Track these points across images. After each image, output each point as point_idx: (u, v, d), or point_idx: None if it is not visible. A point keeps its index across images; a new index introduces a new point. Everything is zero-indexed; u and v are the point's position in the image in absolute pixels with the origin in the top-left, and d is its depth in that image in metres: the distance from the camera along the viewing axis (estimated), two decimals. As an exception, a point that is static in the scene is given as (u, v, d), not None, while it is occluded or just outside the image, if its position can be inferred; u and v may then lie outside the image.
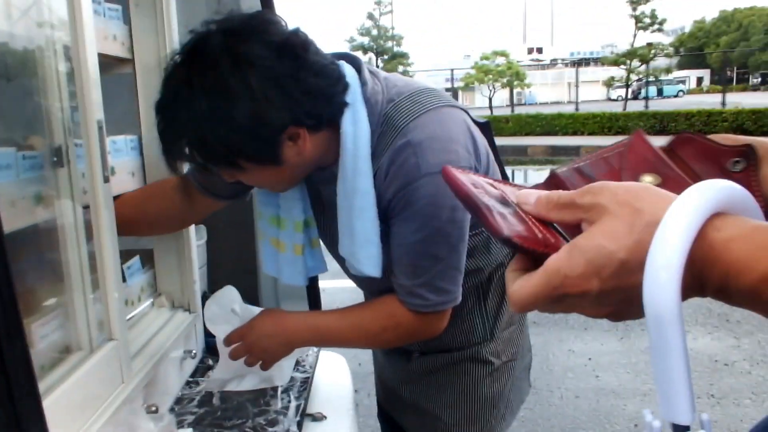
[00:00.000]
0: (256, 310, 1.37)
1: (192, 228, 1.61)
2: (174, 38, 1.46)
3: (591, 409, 3.18)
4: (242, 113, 1.02)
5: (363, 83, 1.17)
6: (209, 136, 1.05)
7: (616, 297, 0.50)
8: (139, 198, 1.41)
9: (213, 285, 1.90)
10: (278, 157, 1.10)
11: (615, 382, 3.47)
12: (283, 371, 1.54)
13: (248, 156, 1.09)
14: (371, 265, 1.20)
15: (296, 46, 1.06)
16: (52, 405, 0.89)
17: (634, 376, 3.54)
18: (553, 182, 0.59)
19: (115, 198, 1.24)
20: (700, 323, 4.23)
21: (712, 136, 0.59)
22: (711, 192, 0.46)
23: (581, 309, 0.53)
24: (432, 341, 1.42)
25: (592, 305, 0.51)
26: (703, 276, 0.46)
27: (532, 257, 0.53)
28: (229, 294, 1.43)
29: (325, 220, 1.33)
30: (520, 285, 0.52)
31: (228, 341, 1.32)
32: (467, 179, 0.56)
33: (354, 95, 1.15)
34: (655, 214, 0.47)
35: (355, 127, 1.14)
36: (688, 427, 0.47)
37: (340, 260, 1.31)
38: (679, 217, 0.45)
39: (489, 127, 1.34)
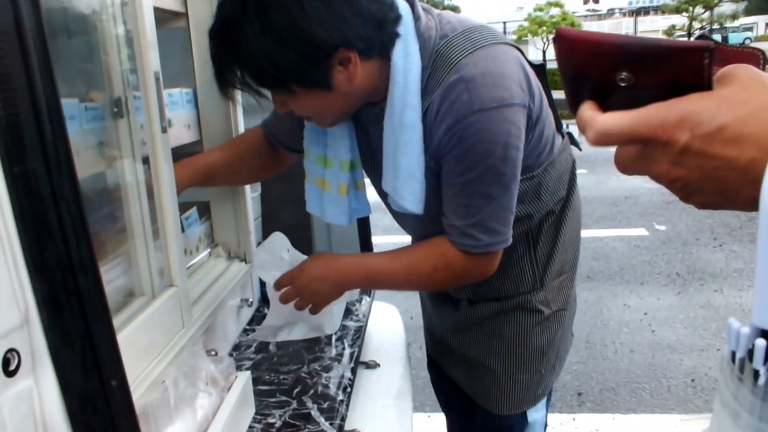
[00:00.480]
0: (305, 256, 1.39)
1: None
2: (226, -10, 1.45)
3: (647, 364, 3.15)
4: (294, 32, 1.02)
5: (416, 18, 1.16)
6: (261, 56, 1.05)
7: (697, 162, 0.47)
8: (228, 153, 1.46)
9: (268, 236, 1.93)
10: (329, 81, 1.09)
11: (672, 337, 3.42)
12: (333, 318, 1.56)
13: (299, 77, 1.08)
14: (414, 201, 1.20)
15: None
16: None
17: (692, 331, 3.48)
18: None
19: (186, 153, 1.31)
20: (763, 278, 4.11)
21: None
22: None
23: (655, 167, 0.50)
24: (481, 289, 1.43)
25: (667, 164, 0.49)
26: None
27: None
28: (279, 240, 1.45)
29: (373, 162, 1.33)
30: (611, 116, 0.50)
31: (278, 285, 1.33)
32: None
33: (406, 29, 1.13)
34: None
35: (406, 60, 1.13)
36: None
37: (385, 197, 1.31)
38: None
39: (543, 70, 1.31)
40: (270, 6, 1.02)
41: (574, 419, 2.69)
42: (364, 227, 2.02)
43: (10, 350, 0.46)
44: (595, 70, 0.51)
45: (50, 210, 0.48)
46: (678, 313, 3.72)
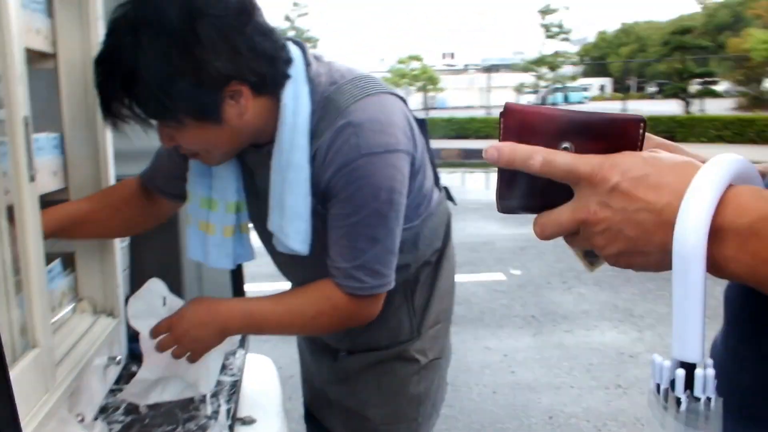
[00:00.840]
0: (183, 302, 1.33)
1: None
2: (99, 32, 1.41)
3: (508, 404, 3.29)
4: (187, 61, 1.02)
5: (307, 63, 1.20)
6: (152, 84, 1.03)
7: (622, 203, 0.53)
8: (97, 203, 1.41)
9: (136, 289, 1.85)
10: (220, 114, 1.10)
11: (530, 376, 3.61)
12: (209, 375, 1.51)
13: (190, 109, 1.08)
14: (300, 240, 1.20)
15: (246, 4, 1.08)
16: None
17: (548, 370, 3.68)
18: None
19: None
20: (606, 318, 4.44)
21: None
22: (730, 163, 0.50)
23: (584, 204, 0.55)
24: (360, 339, 1.44)
25: (596, 204, 0.54)
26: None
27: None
28: (155, 287, 1.38)
29: (257, 204, 1.33)
30: (557, 154, 0.55)
31: (156, 332, 1.26)
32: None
33: (297, 72, 1.17)
34: (691, 160, 0.53)
35: (296, 102, 1.16)
36: (695, 365, 0.49)
37: (269, 241, 1.31)
38: (713, 175, 0.49)
39: (425, 124, 1.37)
40: (164, 33, 1.02)
41: (442, 462, 2.75)
42: (237, 275, 1.98)
43: None
44: (541, 140, 0.56)
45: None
46: (534, 353, 3.93)
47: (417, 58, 29.47)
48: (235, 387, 1.58)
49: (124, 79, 1.05)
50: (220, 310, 1.26)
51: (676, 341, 0.50)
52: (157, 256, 1.93)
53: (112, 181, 1.50)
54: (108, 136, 1.47)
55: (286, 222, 1.20)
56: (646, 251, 0.53)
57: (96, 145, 1.45)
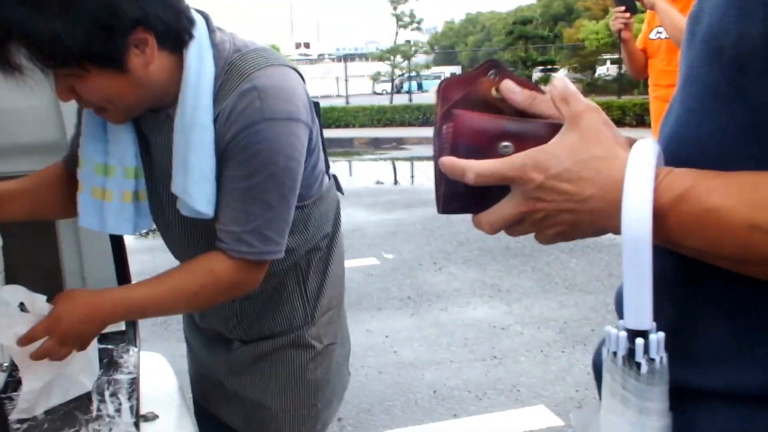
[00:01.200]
0: (46, 302, 1.26)
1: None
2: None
3: (394, 382, 3.39)
4: (95, 2, 1.01)
5: (211, 30, 1.21)
6: (55, 26, 0.99)
7: (551, 196, 0.59)
8: (31, 182, 1.41)
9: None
10: (124, 61, 1.08)
11: (412, 354, 3.73)
12: (92, 367, 1.46)
13: (93, 53, 1.04)
14: (205, 201, 1.19)
15: None
16: None
17: (428, 347, 3.83)
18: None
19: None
20: (477, 295, 4.68)
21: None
22: (652, 147, 0.57)
23: (514, 203, 0.61)
24: (254, 328, 1.45)
25: (525, 200, 0.60)
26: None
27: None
28: (11, 294, 1.30)
29: (152, 175, 1.31)
30: (485, 161, 0.61)
31: (29, 339, 1.20)
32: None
33: (201, 36, 1.17)
34: (610, 151, 0.58)
35: (200, 63, 1.16)
36: (647, 332, 0.55)
37: (161, 214, 1.35)
38: (645, 159, 0.55)
39: (317, 107, 1.40)
40: None
41: (336, 445, 2.79)
42: (122, 274, 1.89)
43: None
44: (485, 141, 0.62)
45: None
46: (414, 332, 4.06)
47: (274, 48, 29.07)
48: (134, 384, 1.53)
49: (21, 24, 0.99)
50: (98, 304, 1.22)
51: (630, 313, 0.55)
52: (33, 258, 1.82)
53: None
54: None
55: (190, 183, 1.18)
56: (582, 230, 0.61)
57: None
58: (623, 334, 0.55)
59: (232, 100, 1.16)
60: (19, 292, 1.30)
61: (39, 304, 1.27)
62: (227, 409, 1.57)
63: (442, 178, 0.64)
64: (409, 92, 25.52)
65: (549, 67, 24.03)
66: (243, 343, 1.48)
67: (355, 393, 3.25)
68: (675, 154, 0.60)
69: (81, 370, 1.39)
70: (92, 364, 1.44)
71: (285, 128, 1.17)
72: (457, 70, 62.30)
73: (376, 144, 16.11)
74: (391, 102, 21.78)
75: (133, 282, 1.84)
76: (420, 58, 29.59)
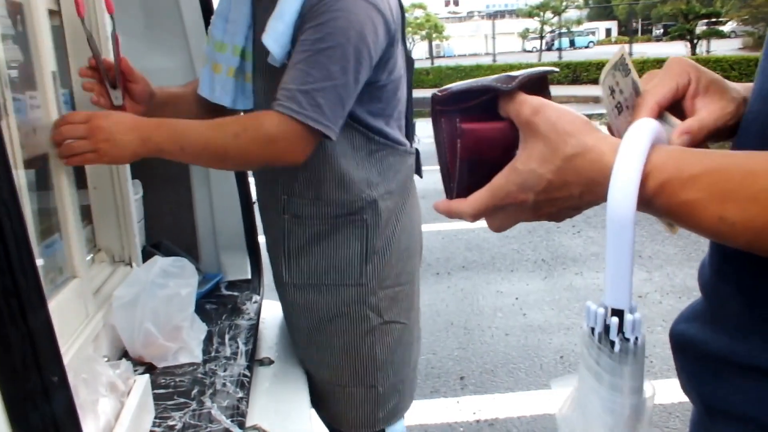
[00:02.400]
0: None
1: (129, 182, 1.58)
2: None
3: (520, 345, 3.33)
4: None
5: None
6: None
7: (548, 206, 0.62)
8: (189, 88, 1.51)
9: (151, 239, 1.87)
10: None
11: (541, 318, 3.65)
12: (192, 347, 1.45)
13: None
14: (274, 38, 1.25)
15: None
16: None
17: (558, 312, 3.72)
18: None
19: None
20: (616, 260, 4.46)
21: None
22: (649, 128, 0.56)
23: (523, 216, 0.64)
24: (303, 272, 1.43)
25: (530, 213, 0.63)
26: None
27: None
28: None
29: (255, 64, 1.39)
30: (472, 198, 0.64)
31: (67, 120, 1.16)
32: None
33: None
34: (576, 146, 0.58)
35: None
36: (624, 311, 0.56)
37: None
38: (636, 148, 0.55)
39: (412, 64, 1.49)
40: None
41: (458, 402, 2.81)
42: (250, 229, 1.99)
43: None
44: (497, 152, 0.63)
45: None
46: (545, 296, 3.96)
47: (421, 6, 28.99)
48: (252, 330, 1.62)
49: None
50: (144, 120, 1.22)
51: (609, 291, 0.56)
52: (170, 208, 1.96)
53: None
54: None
55: (273, 20, 1.25)
56: (579, 204, 0.62)
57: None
58: (601, 310, 0.56)
59: None
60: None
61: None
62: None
63: (451, 174, 0.65)
64: (559, 49, 24.50)
65: (714, 20, 22.01)
66: (287, 289, 1.47)
67: (480, 353, 3.25)
68: (758, 113, 0.59)
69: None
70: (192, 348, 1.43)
71: (364, 9, 1.21)
72: (612, 25, 58.85)
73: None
74: (540, 59, 21.01)
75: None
76: (572, 14, 28.24)
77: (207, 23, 1.71)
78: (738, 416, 0.59)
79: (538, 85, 0.65)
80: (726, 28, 27.69)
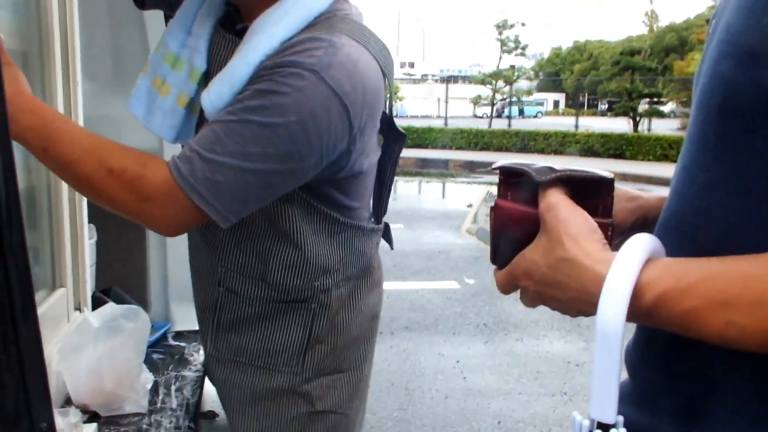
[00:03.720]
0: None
1: (85, 226, 1.59)
2: None
3: (459, 408, 3.37)
4: None
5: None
6: None
7: (549, 300, 0.65)
8: None
9: (100, 285, 1.87)
10: None
11: (481, 382, 3.70)
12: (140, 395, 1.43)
13: None
14: (216, 96, 1.03)
15: None
16: None
17: (498, 376, 3.79)
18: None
19: None
20: (555, 328, 4.58)
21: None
22: (643, 244, 0.58)
23: (542, 303, 0.67)
24: (231, 347, 1.24)
25: (534, 293, 0.67)
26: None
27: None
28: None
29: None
30: (500, 272, 0.70)
31: None
32: None
33: None
34: (571, 251, 0.61)
35: (308, 6, 1.06)
36: (611, 426, 0.57)
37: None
38: (627, 264, 0.57)
39: (403, 140, 1.28)
40: None
41: (395, 464, 2.81)
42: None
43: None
44: (523, 229, 0.67)
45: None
46: (486, 360, 4.03)
47: (377, 67, 29.56)
48: (198, 382, 1.62)
49: None
50: (24, 99, 0.96)
51: (595, 403, 0.57)
52: (122, 253, 1.96)
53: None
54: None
55: (219, 81, 1.04)
56: (569, 309, 0.65)
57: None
58: (586, 422, 0.57)
59: (303, 36, 1.02)
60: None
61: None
62: None
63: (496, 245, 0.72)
64: (509, 117, 25.31)
65: (655, 99, 23.21)
66: (218, 361, 1.28)
67: (420, 415, 3.27)
68: (675, 209, 0.63)
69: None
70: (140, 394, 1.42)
71: (324, 97, 0.97)
72: (560, 97, 61.29)
73: (471, 167, 16.07)
74: (490, 126, 21.67)
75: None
76: (522, 84, 29.34)
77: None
78: None
79: (598, 188, 0.66)
80: (666, 108, 29.16)
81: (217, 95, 1.03)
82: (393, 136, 1.26)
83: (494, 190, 0.73)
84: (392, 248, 1.43)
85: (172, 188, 0.97)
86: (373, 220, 1.29)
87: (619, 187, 0.75)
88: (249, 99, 0.99)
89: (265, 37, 1.03)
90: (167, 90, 1.14)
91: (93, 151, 0.97)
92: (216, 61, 1.13)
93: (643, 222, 0.76)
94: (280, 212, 1.12)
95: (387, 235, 1.37)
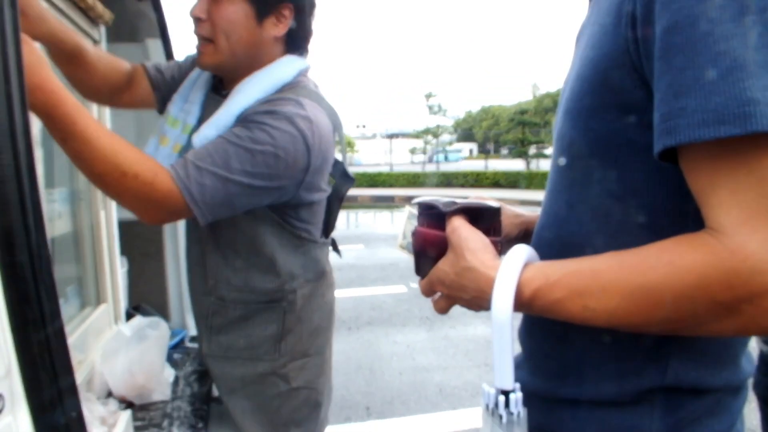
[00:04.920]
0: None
1: (117, 258, 1.55)
2: None
3: (410, 382, 3.35)
4: None
5: (307, 73, 1.17)
6: None
7: (458, 300, 0.64)
8: (101, 54, 1.22)
9: (133, 301, 1.82)
10: (265, 16, 1.06)
11: (425, 361, 3.69)
12: (162, 384, 1.38)
13: None
14: (203, 137, 1.04)
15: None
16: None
17: (438, 356, 3.78)
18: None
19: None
20: (479, 316, 4.58)
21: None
22: (521, 253, 0.58)
23: (453, 303, 0.65)
24: (222, 346, 1.20)
25: (453, 302, 0.65)
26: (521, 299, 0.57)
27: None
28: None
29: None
30: (421, 281, 0.68)
31: None
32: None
33: (299, 64, 1.13)
34: (471, 261, 0.60)
35: (287, 67, 1.11)
36: (510, 391, 0.57)
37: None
38: (510, 269, 0.57)
39: (351, 183, 1.33)
40: None
41: (365, 426, 2.77)
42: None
43: (-2, 395, 0.45)
44: (436, 251, 0.66)
45: (30, 288, 0.48)
46: (428, 344, 4.02)
47: (338, 128, 29.66)
48: (208, 375, 1.57)
49: None
50: (47, 75, 0.81)
51: (498, 375, 0.57)
52: (147, 277, 1.91)
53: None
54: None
55: (207, 126, 1.05)
56: (472, 306, 0.63)
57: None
58: (492, 391, 0.57)
59: (274, 96, 1.06)
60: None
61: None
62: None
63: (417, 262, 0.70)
64: (437, 162, 25.65)
65: (540, 145, 23.90)
66: (213, 358, 1.22)
67: (381, 388, 3.23)
68: (544, 223, 0.65)
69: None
70: (162, 383, 1.38)
71: (294, 138, 1.00)
72: (473, 146, 62.46)
73: (411, 200, 16.21)
74: (424, 169, 21.91)
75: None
76: (445, 137, 29.82)
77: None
78: None
79: (489, 214, 0.65)
80: (549, 151, 30.00)
81: (204, 136, 1.03)
82: (344, 179, 1.28)
83: (414, 209, 0.72)
84: (341, 257, 1.41)
85: (172, 192, 0.95)
86: (323, 236, 1.26)
87: (509, 207, 0.77)
88: (236, 129, 1.00)
89: (244, 96, 1.05)
90: (167, 142, 1.15)
91: (112, 153, 0.89)
92: (206, 117, 1.11)
93: (525, 233, 0.77)
94: (257, 233, 1.12)
95: (335, 247, 1.36)
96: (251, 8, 1.04)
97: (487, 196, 0.73)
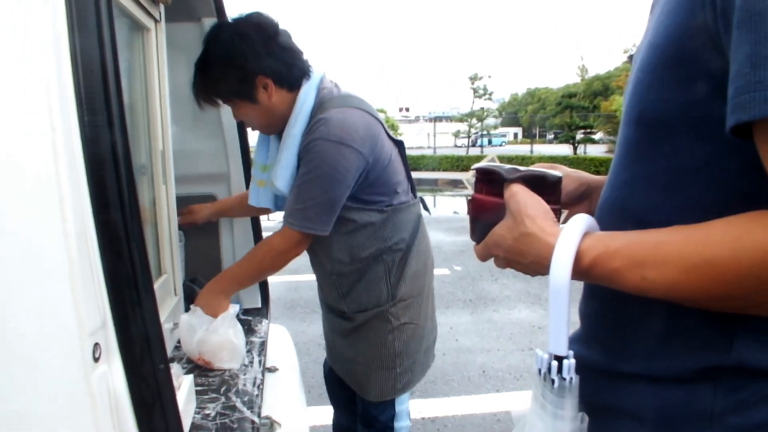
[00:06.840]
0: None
1: (176, 233, 1.61)
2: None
3: (453, 362, 3.37)
4: (234, 68, 1.33)
5: (323, 84, 1.42)
6: (220, 83, 1.37)
7: (514, 264, 0.64)
8: (239, 199, 1.77)
9: (189, 274, 1.89)
10: (255, 96, 1.36)
11: (468, 343, 3.70)
12: (236, 353, 1.45)
13: (236, 93, 1.37)
14: (283, 180, 1.38)
15: (269, 32, 1.34)
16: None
17: (481, 338, 3.78)
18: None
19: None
20: (522, 301, 4.56)
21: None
22: (581, 222, 0.58)
23: (509, 266, 0.66)
24: (353, 304, 1.50)
25: (504, 260, 0.66)
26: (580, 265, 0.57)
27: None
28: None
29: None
30: (477, 246, 0.69)
31: None
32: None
33: (313, 83, 1.40)
34: (530, 227, 0.60)
35: (305, 98, 1.38)
36: (564, 357, 0.57)
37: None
38: (570, 236, 0.57)
39: (403, 145, 1.55)
40: (225, 61, 1.33)
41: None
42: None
43: (96, 344, 0.48)
44: (492, 216, 0.66)
45: (124, 247, 0.51)
46: (471, 326, 4.02)
47: (381, 111, 29.73)
48: (263, 345, 1.63)
49: (204, 81, 1.39)
50: (219, 279, 1.45)
51: (552, 341, 0.57)
52: (202, 251, 1.97)
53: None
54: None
55: (279, 168, 1.38)
56: (529, 271, 0.63)
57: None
58: (545, 356, 0.57)
59: (312, 122, 1.34)
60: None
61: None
62: (338, 362, 1.63)
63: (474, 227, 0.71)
64: (481, 146, 25.30)
65: (588, 130, 23.16)
66: (344, 316, 1.52)
67: (424, 368, 3.26)
68: (607, 196, 0.63)
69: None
70: (236, 352, 1.43)
71: (333, 148, 1.29)
72: (518, 130, 61.15)
73: (455, 184, 16.07)
74: (467, 153, 21.64)
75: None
76: (490, 121, 29.33)
77: (239, 124, 1.77)
78: (619, 413, 0.61)
79: (550, 183, 0.65)
80: (597, 136, 29.09)
81: (283, 178, 1.38)
82: (398, 145, 1.53)
83: (472, 177, 0.71)
84: (430, 214, 1.67)
85: (288, 238, 1.36)
86: (412, 196, 1.54)
87: (569, 169, 0.76)
88: (303, 168, 1.34)
89: (291, 136, 1.37)
90: (263, 183, 1.53)
91: (248, 262, 1.45)
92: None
93: (584, 193, 0.76)
94: (354, 215, 1.41)
95: (424, 205, 1.63)
96: (242, 101, 1.38)
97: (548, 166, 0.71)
